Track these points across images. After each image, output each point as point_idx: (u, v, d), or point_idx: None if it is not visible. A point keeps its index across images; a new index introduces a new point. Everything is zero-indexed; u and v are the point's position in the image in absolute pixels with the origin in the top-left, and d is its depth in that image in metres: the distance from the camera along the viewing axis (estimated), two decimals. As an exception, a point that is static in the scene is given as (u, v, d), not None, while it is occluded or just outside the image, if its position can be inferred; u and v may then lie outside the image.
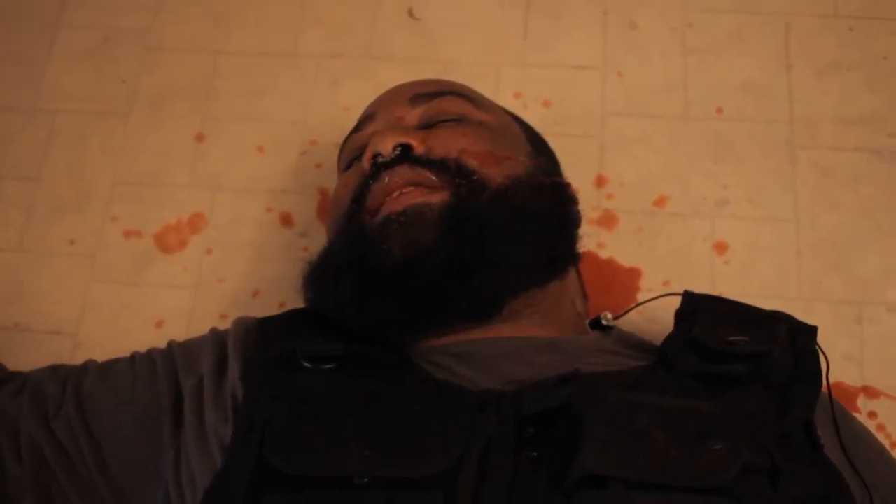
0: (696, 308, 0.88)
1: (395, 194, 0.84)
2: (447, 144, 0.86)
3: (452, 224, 0.81)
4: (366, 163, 0.87)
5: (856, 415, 1.05)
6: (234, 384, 0.83)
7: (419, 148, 0.86)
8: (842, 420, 0.85)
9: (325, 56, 1.24)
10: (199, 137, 1.19)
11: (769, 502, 0.67)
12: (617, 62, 1.22)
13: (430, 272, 0.79)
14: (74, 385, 0.86)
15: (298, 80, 1.22)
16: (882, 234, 1.15)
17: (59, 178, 1.18)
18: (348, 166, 0.94)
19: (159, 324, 1.10)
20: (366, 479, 0.67)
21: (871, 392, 1.08)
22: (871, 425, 1.06)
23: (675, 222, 1.14)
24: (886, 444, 1.04)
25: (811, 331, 0.87)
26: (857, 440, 0.85)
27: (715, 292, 1.10)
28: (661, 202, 1.15)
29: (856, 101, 1.21)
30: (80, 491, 0.82)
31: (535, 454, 0.69)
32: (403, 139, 0.86)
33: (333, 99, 1.21)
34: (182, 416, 0.83)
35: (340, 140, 1.15)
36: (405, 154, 0.85)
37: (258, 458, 0.71)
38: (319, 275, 0.87)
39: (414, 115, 0.92)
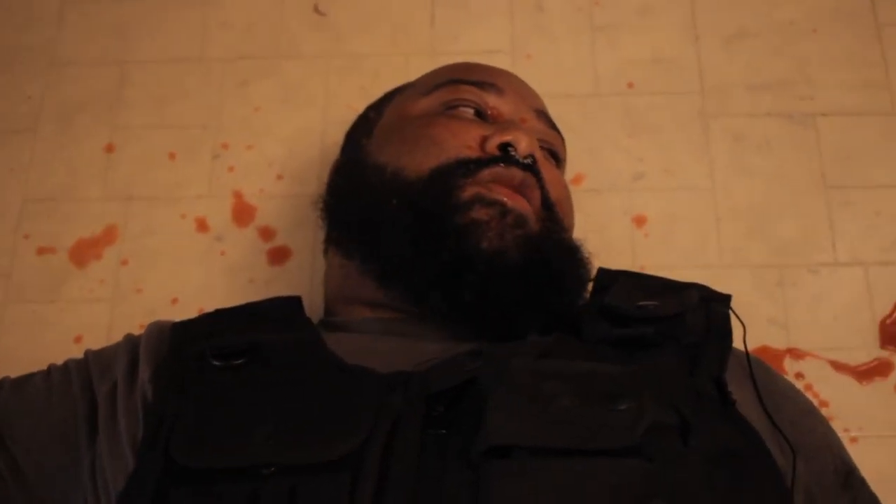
0: (610, 283, 0.88)
1: (510, 190, 0.84)
2: (553, 184, 0.88)
3: (533, 254, 0.82)
4: (494, 147, 0.85)
5: (784, 376, 1.05)
6: (143, 386, 0.81)
7: (542, 171, 0.87)
8: (765, 379, 0.85)
9: (232, 58, 1.23)
10: (109, 148, 1.18)
11: (680, 458, 0.66)
12: (525, 45, 1.23)
13: (513, 275, 0.80)
14: None
15: (207, 84, 1.21)
16: (798, 196, 1.15)
17: (-31, 200, 1.16)
18: (451, 107, 0.91)
19: (78, 339, 1.08)
20: (272, 469, 0.66)
21: (796, 353, 1.08)
22: (798, 386, 1.05)
23: (593, 199, 1.13)
24: (815, 402, 1.04)
25: (725, 298, 0.87)
26: (780, 399, 0.84)
27: (636, 265, 1.11)
28: (577, 180, 1.14)
29: (764, 68, 1.21)
30: None
31: (444, 431, 0.67)
32: (538, 155, 0.87)
33: (243, 100, 1.20)
34: (97, 423, 0.82)
35: (253, 141, 1.16)
36: (534, 167, 0.86)
37: (165, 457, 0.70)
38: (394, 211, 0.84)
39: (535, 128, 0.92)
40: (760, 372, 0.85)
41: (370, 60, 1.21)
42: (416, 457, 0.65)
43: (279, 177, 1.16)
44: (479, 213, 0.80)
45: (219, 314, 0.89)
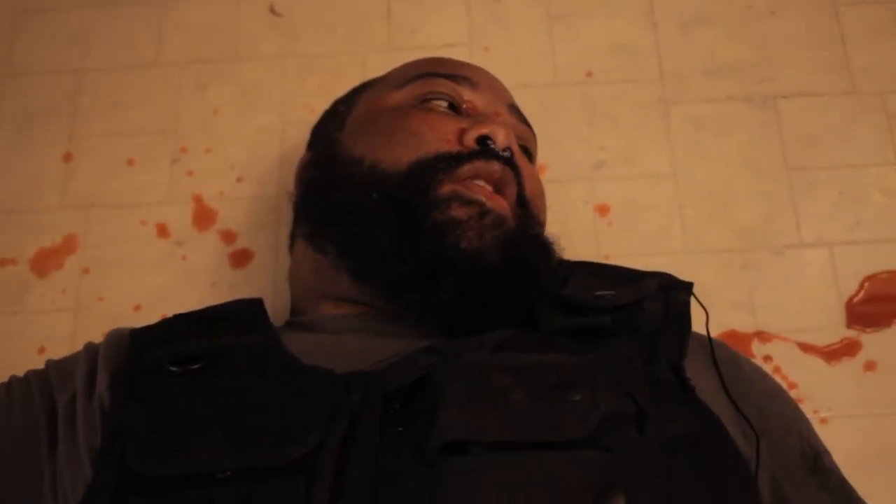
0: (570, 274, 0.88)
1: (491, 189, 0.83)
2: (529, 180, 0.88)
3: (511, 252, 0.81)
4: (472, 140, 0.85)
5: (751, 360, 1.05)
6: (101, 395, 0.81)
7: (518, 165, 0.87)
8: (730, 364, 0.85)
9: (189, 62, 1.22)
10: (68, 157, 1.17)
11: (637, 448, 0.66)
12: (483, 37, 1.22)
13: (491, 275, 0.79)
14: None
15: (164, 89, 1.21)
16: (760, 179, 1.15)
17: (-73, 214, 1.15)
18: (425, 100, 0.90)
19: (41, 350, 1.07)
20: (228, 473, 0.65)
21: (764, 336, 1.08)
22: (767, 369, 1.05)
23: (555, 189, 1.12)
24: (783, 385, 1.04)
25: (687, 285, 0.86)
26: (746, 383, 0.84)
27: (600, 254, 1.10)
28: (539, 171, 1.13)
29: (723, 52, 1.21)
30: None
31: (401, 429, 0.67)
32: (515, 148, 0.86)
33: (201, 104, 1.20)
34: (57, 435, 0.81)
35: (211, 144, 1.15)
36: (512, 160, 0.85)
37: (121, 465, 0.69)
38: (374, 204, 0.83)
39: (510, 123, 0.92)
40: (725, 357, 0.85)
41: (328, 59, 1.20)
42: (373, 456, 0.65)
43: (239, 179, 1.16)
44: (458, 212, 0.80)
45: (178, 319, 0.89)
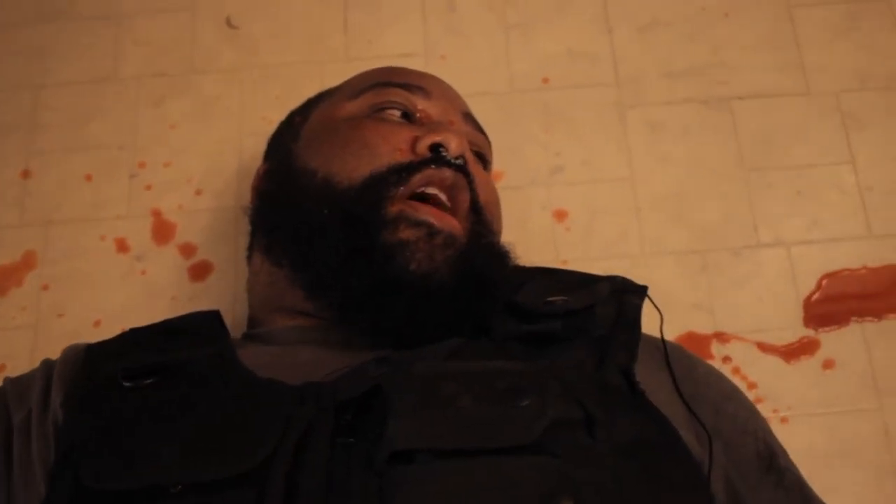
0: (524, 280, 0.88)
1: (444, 199, 0.84)
2: (483, 187, 0.88)
3: (465, 270, 0.81)
4: (424, 148, 0.85)
5: (711, 361, 1.06)
6: (55, 411, 0.80)
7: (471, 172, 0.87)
8: (684, 366, 0.85)
9: (146, 76, 1.22)
10: (26, 174, 1.17)
11: (586, 452, 0.66)
12: (439, 46, 1.22)
13: (444, 296, 0.79)
14: None
15: (122, 104, 1.20)
16: (717, 180, 1.16)
17: None
18: (379, 110, 0.90)
19: (1, 368, 1.07)
20: (180, 487, 0.65)
21: (723, 337, 1.09)
22: (726, 369, 1.06)
23: (513, 195, 1.13)
24: (742, 385, 1.05)
25: (641, 289, 0.87)
26: (701, 385, 0.84)
27: (559, 260, 1.11)
28: (496, 177, 1.14)
29: (679, 55, 1.22)
30: None
31: (352, 440, 0.67)
32: (468, 155, 0.86)
33: (159, 118, 1.20)
34: (13, 454, 0.81)
35: (170, 158, 1.15)
36: (465, 167, 0.85)
37: (75, 481, 0.69)
38: (326, 219, 0.82)
39: (464, 131, 0.92)
40: (679, 359, 0.85)
41: (285, 70, 1.21)
42: (325, 467, 0.65)
43: (198, 192, 1.16)
44: (406, 234, 0.80)
45: (134, 333, 0.88)
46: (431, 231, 0.80)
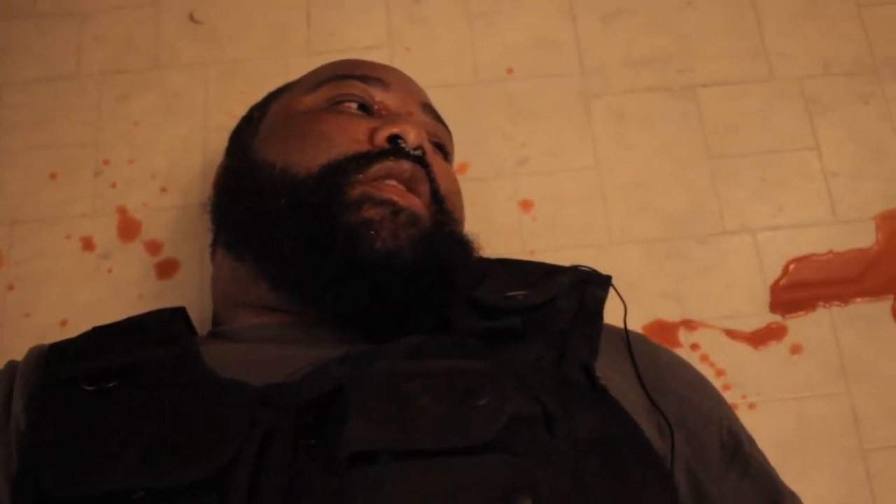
0: (487, 273, 0.88)
1: (403, 189, 0.83)
2: (442, 177, 0.88)
3: (427, 252, 0.80)
4: (382, 140, 0.84)
5: (679, 349, 1.06)
6: (17, 417, 0.79)
7: (431, 164, 0.86)
8: (647, 357, 0.85)
9: (109, 73, 1.21)
10: (-11, 174, 1.16)
11: (546, 450, 0.66)
12: (403, 38, 1.22)
13: (407, 276, 0.79)
14: None
15: (85, 101, 1.20)
16: (682, 168, 1.16)
17: None
18: (336, 102, 0.90)
19: (-32, 369, 1.06)
20: (142, 492, 0.65)
21: (690, 325, 1.09)
22: (694, 357, 1.07)
23: (478, 187, 1.13)
24: (710, 372, 1.06)
25: (605, 279, 0.87)
26: (665, 375, 0.84)
27: (525, 250, 1.11)
28: (462, 169, 1.14)
29: (642, 44, 1.22)
30: None
31: (314, 441, 0.67)
32: (427, 147, 0.86)
33: (123, 115, 1.19)
34: None
35: (134, 155, 1.14)
36: (423, 158, 0.85)
37: (37, 488, 0.69)
38: (285, 209, 0.82)
39: (423, 122, 0.92)
40: (643, 350, 0.85)
41: (249, 65, 1.20)
42: (287, 469, 0.64)
43: (163, 189, 1.15)
44: (370, 213, 0.79)
45: (97, 333, 0.88)
46: (395, 208, 0.80)
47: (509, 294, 0.83)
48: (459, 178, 1.09)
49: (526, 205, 1.13)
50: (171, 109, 1.19)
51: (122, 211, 1.14)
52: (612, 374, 0.78)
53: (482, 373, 0.70)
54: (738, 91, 1.19)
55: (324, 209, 0.80)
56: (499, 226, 1.12)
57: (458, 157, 1.11)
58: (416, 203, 0.83)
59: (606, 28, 1.22)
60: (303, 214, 0.81)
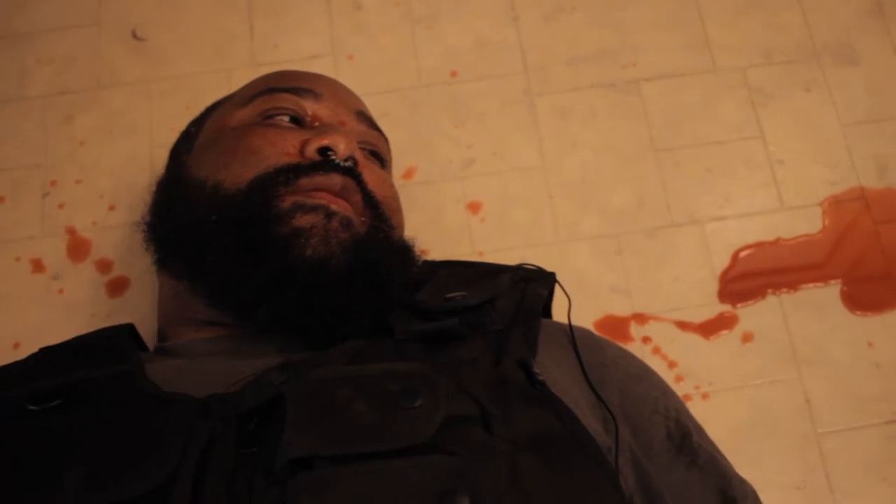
0: (430, 276, 0.88)
1: (331, 195, 0.83)
2: (377, 184, 0.87)
3: (360, 257, 0.80)
4: (313, 152, 0.84)
5: (630, 343, 1.07)
6: (-36, 440, 0.80)
7: (363, 173, 0.86)
8: (592, 351, 0.85)
9: (53, 94, 1.21)
10: (-63, 198, 1.16)
11: (482, 448, 0.66)
12: (346, 46, 1.22)
13: (339, 282, 0.79)
14: None
15: (30, 123, 1.19)
16: (628, 163, 1.16)
17: None
18: (268, 116, 0.90)
19: (-80, 397, 1.06)
20: None
21: (641, 318, 1.09)
22: (646, 350, 1.07)
23: (426, 191, 1.14)
24: (663, 364, 1.06)
25: (548, 276, 0.87)
26: (609, 369, 0.85)
27: (475, 252, 1.11)
28: (409, 174, 1.14)
29: (585, 40, 1.23)
30: None
31: (255, 449, 0.67)
32: (358, 156, 0.86)
33: (68, 135, 1.19)
34: None
35: (81, 175, 1.14)
36: (354, 169, 0.85)
37: None
38: (214, 227, 0.82)
39: (356, 130, 0.92)
40: (588, 345, 0.86)
41: (192, 79, 1.20)
42: (228, 479, 0.65)
43: (111, 207, 1.15)
44: (302, 221, 0.79)
45: (44, 353, 0.88)
46: (328, 213, 0.80)
47: (448, 296, 0.83)
48: (406, 182, 1.10)
49: (474, 206, 1.14)
50: (116, 128, 1.19)
51: (72, 231, 1.14)
52: (554, 369, 0.78)
53: (417, 375, 0.70)
54: (682, 84, 1.20)
55: (255, 223, 0.80)
56: (447, 228, 1.12)
57: (405, 161, 1.12)
58: (346, 207, 0.83)
59: (548, 27, 1.23)
60: (233, 231, 0.81)
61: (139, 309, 1.10)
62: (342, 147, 0.84)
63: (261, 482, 0.64)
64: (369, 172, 0.88)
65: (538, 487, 0.65)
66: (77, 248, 1.13)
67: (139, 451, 0.68)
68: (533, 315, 0.82)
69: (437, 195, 1.14)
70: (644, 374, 0.88)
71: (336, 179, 0.83)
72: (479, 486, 0.62)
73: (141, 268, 1.12)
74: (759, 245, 1.13)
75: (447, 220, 1.13)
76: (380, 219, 0.86)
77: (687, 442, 0.84)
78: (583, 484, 0.69)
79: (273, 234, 0.79)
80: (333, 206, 0.81)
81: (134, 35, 1.23)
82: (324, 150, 0.84)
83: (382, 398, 0.67)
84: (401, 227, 0.92)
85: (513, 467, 0.65)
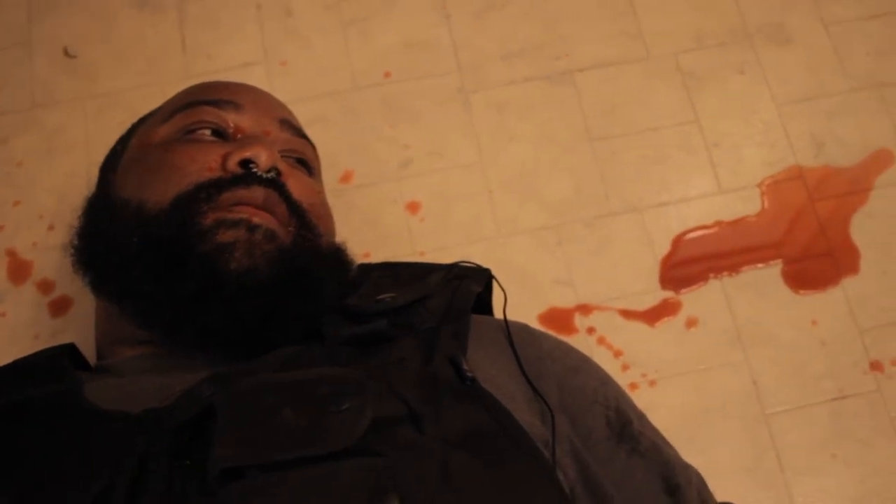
0: (364, 279, 0.88)
1: (253, 208, 0.82)
2: (302, 192, 0.86)
3: (286, 267, 0.80)
4: (234, 165, 0.83)
5: (575, 334, 1.07)
6: None
7: (287, 182, 0.85)
8: (528, 345, 0.85)
9: (-13, 117, 1.20)
10: None
11: (411, 448, 0.66)
12: (279, 52, 1.22)
13: (264, 292, 0.78)
14: None
15: (-35, 148, 1.19)
16: (564, 154, 1.17)
17: None
18: (189, 131, 0.89)
19: None
20: None
21: (585, 309, 1.10)
22: (591, 340, 1.08)
23: (364, 193, 1.14)
24: (608, 354, 1.07)
25: (481, 273, 0.87)
26: (545, 362, 0.85)
27: (416, 252, 1.11)
28: (346, 178, 1.14)
29: (517, 35, 1.23)
30: None
31: (188, 461, 0.67)
32: (281, 166, 0.85)
33: (5, 157, 1.18)
34: None
35: (19, 197, 1.14)
36: (277, 180, 0.84)
37: None
38: (136, 249, 0.81)
39: (279, 139, 0.90)
40: (524, 339, 0.86)
41: (126, 95, 1.20)
42: (163, 492, 0.65)
43: (51, 227, 1.15)
44: (224, 237, 0.79)
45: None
46: (250, 226, 0.80)
47: (379, 298, 0.84)
48: (345, 185, 1.10)
49: (413, 206, 1.14)
50: (52, 147, 1.19)
51: (12, 253, 1.13)
52: (488, 365, 0.79)
53: (344, 378, 0.70)
54: (615, 72, 1.20)
55: (177, 242, 0.80)
56: (387, 230, 1.12)
57: (342, 164, 1.12)
58: (271, 220, 0.82)
59: (480, 23, 1.23)
60: (156, 250, 0.80)
61: (84, 328, 1.10)
62: (263, 158, 0.84)
63: (194, 494, 0.64)
64: (294, 181, 0.87)
65: (470, 484, 0.66)
66: (18, 271, 1.13)
67: (74, 467, 0.69)
68: (464, 312, 0.82)
69: (375, 197, 1.14)
70: (582, 366, 0.88)
71: (258, 192, 0.83)
72: (408, 486, 0.63)
73: (83, 287, 1.11)
74: (698, 229, 1.13)
75: (386, 221, 1.13)
76: (306, 227, 0.86)
77: (627, 430, 0.84)
78: (516, 478, 0.69)
79: (196, 251, 0.79)
80: (256, 220, 0.81)
81: (66, 52, 1.23)
82: (245, 163, 0.84)
83: (309, 403, 0.68)
84: (330, 232, 0.92)
85: (443, 465, 0.66)
